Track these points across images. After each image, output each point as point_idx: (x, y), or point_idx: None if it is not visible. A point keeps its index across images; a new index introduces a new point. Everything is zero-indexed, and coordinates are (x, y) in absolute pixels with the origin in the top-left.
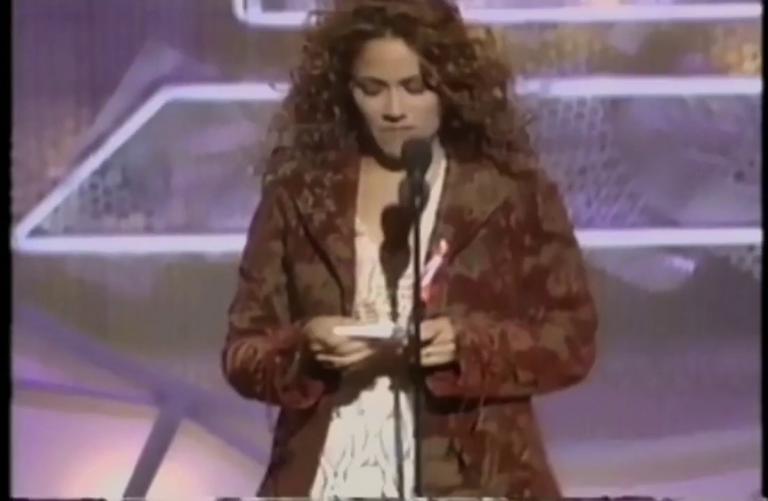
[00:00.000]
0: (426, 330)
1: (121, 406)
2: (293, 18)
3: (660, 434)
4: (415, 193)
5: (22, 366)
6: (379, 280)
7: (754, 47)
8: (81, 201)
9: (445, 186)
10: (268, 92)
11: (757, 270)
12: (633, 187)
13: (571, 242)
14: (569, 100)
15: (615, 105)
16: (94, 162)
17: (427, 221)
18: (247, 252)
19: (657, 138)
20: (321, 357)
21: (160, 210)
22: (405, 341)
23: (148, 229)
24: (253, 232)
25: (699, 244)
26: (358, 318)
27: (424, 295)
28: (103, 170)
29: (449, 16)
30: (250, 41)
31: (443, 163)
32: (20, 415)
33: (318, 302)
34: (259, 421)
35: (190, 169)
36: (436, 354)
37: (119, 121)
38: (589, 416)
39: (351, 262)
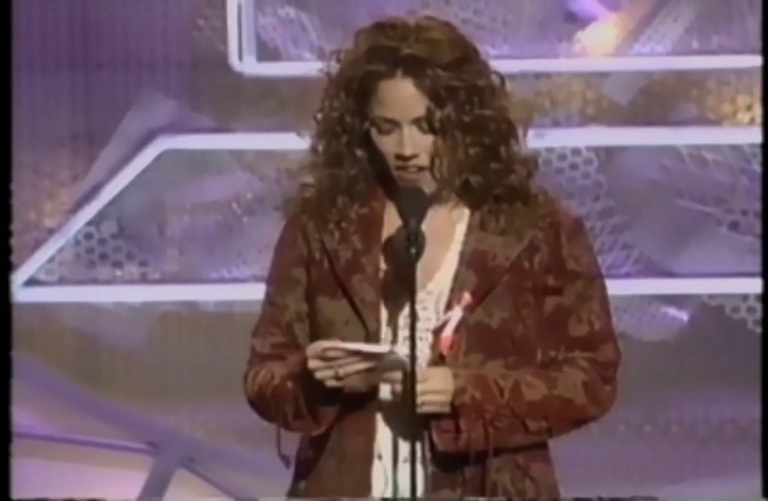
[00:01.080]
0: (419, 375)
1: (116, 456)
2: (288, 68)
3: (655, 484)
4: (411, 244)
5: (17, 415)
6: (397, 322)
7: (747, 98)
8: (76, 251)
9: (470, 228)
10: (262, 142)
11: (751, 320)
12: (627, 237)
13: (595, 278)
14: (563, 149)
15: (609, 155)
16: (89, 212)
17: (450, 263)
18: (271, 277)
19: (651, 188)
20: (311, 365)
21: (155, 259)
22: (404, 364)
23: (143, 279)
24: (276, 258)
25: (693, 293)
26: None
27: (444, 345)
28: (98, 220)
29: (466, 58)
30: (245, 91)
31: (467, 202)
32: (15, 464)
33: (341, 339)
34: (253, 471)
35: (185, 218)
36: (428, 403)
37: (114, 171)
38: (584, 466)
39: (376, 304)
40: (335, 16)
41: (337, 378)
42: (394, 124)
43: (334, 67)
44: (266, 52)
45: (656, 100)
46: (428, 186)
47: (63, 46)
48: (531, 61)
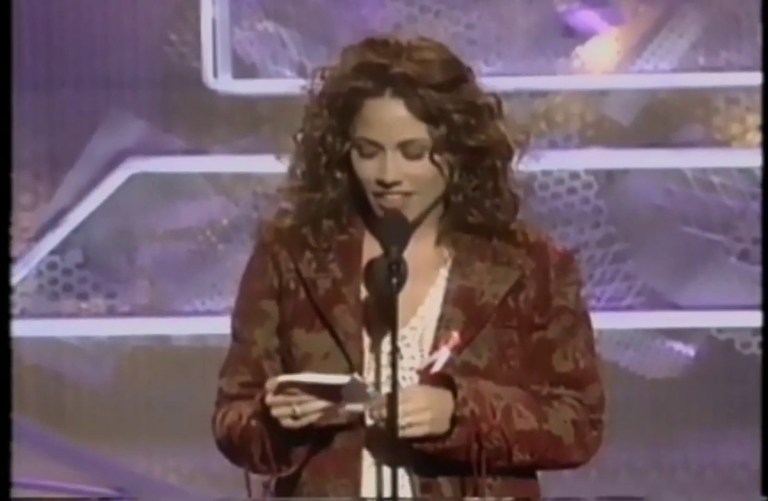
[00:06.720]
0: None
1: None
2: (267, 86)
3: None
4: (392, 274)
5: None
6: (381, 358)
7: (757, 118)
8: (38, 282)
9: (455, 262)
10: (238, 164)
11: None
12: (629, 267)
13: (582, 317)
14: (560, 173)
15: (610, 179)
16: (53, 240)
17: (434, 298)
18: (238, 311)
19: (655, 214)
20: (267, 400)
21: (124, 291)
22: (369, 395)
23: (111, 312)
24: (244, 290)
25: (700, 327)
26: None
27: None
28: (62, 249)
29: (460, 79)
30: (220, 110)
31: (451, 235)
32: None
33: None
34: None
35: (156, 246)
36: (415, 423)
37: (80, 195)
38: None
39: (359, 337)
40: (317, 31)
41: (294, 417)
42: (377, 147)
43: (318, 84)
44: (243, 68)
45: (660, 119)
46: (410, 214)
47: (24, 63)
48: (526, 79)
